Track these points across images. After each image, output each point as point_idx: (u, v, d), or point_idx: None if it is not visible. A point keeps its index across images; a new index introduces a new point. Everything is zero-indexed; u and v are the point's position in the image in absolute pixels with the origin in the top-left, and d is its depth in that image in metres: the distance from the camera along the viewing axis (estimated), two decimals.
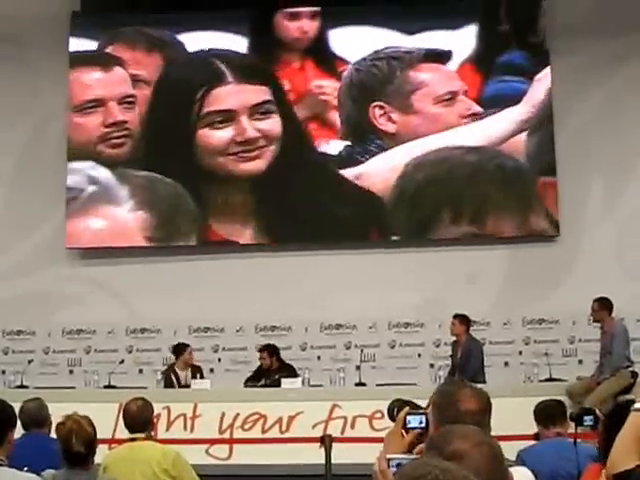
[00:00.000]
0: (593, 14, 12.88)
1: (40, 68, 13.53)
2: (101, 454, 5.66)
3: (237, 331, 13.00)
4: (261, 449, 10.16)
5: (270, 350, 11.70)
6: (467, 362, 11.07)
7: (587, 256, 12.58)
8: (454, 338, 11.42)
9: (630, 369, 10.45)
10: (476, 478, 2.08)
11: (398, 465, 2.59)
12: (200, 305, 12.68)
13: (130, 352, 12.99)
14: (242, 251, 12.99)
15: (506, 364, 12.49)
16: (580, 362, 12.33)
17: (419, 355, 12.73)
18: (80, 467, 5.09)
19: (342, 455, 9.42)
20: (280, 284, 12.65)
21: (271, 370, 11.56)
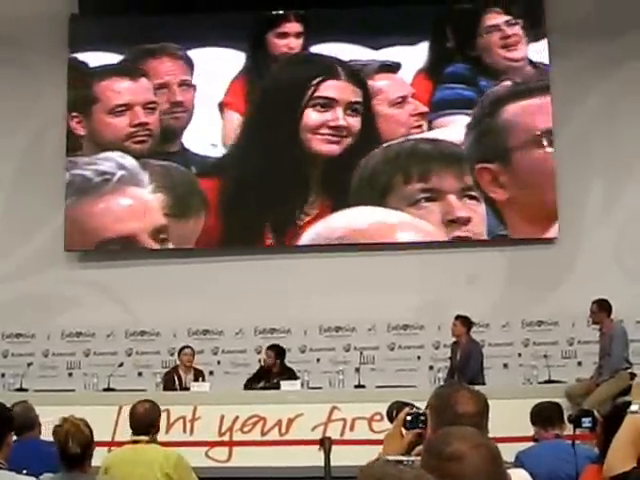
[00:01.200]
0: (592, 16, 12.89)
1: (39, 72, 13.51)
2: (100, 457, 5.67)
3: (236, 334, 13.00)
4: (260, 451, 10.17)
5: (277, 351, 11.68)
6: (466, 364, 11.08)
7: (586, 258, 12.59)
8: (453, 340, 11.43)
9: (629, 371, 10.45)
10: (473, 479, 2.09)
11: None
12: (199, 308, 12.68)
13: (129, 355, 12.99)
14: (242, 254, 13.00)
15: (505, 366, 12.49)
16: (579, 364, 12.34)
17: (418, 357, 12.73)
18: (78, 470, 5.09)
19: (341, 457, 9.38)
20: (279, 287, 12.65)
21: (272, 372, 11.56)
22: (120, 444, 6.79)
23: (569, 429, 6.24)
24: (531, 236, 12.61)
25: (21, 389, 11.49)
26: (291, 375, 11.50)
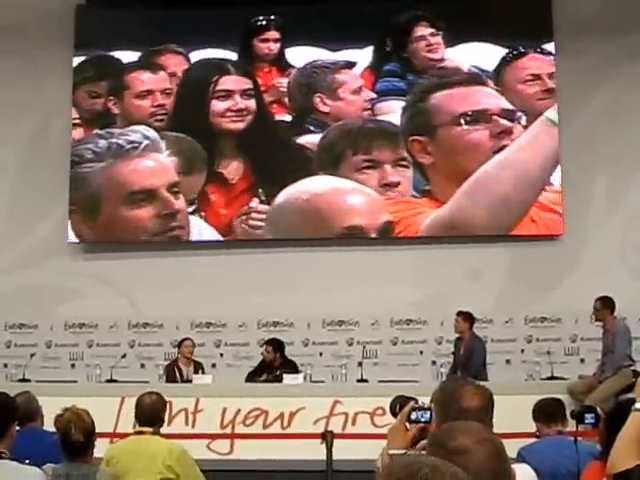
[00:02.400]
0: (598, 15, 12.86)
1: (44, 62, 13.52)
2: (102, 448, 5.67)
3: (239, 326, 13.01)
4: (262, 444, 10.17)
5: (275, 345, 11.70)
6: (469, 359, 11.08)
7: (590, 255, 12.58)
8: (456, 335, 11.43)
9: (632, 368, 10.45)
10: (478, 474, 2.08)
11: None
12: (202, 300, 12.69)
13: (132, 346, 13.00)
14: (245, 247, 13.00)
15: (508, 362, 12.48)
16: (582, 361, 12.32)
17: (421, 352, 12.72)
18: (80, 459, 5.10)
19: (343, 451, 9.43)
20: (282, 280, 12.65)
21: (273, 365, 11.57)
22: (122, 436, 6.81)
23: (571, 425, 6.24)
24: (532, 233, 12.66)
25: (24, 380, 11.50)
26: (293, 368, 11.50)
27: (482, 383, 3.72)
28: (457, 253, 12.73)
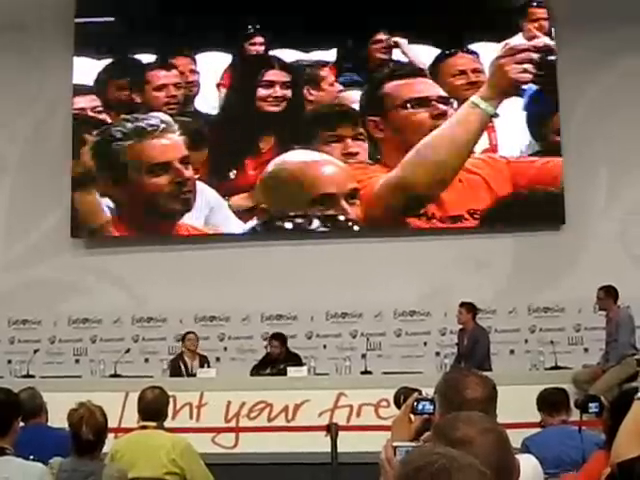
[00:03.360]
0: (596, 5, 12.84)
1: (45, 56, 13.53)
2: (107, 443, 5.67)
3: (243, 320, 13.01)
4: (267, 437, 10.18)
5: (282, 339, 11.72)
6: (473, 350, 11.09)
7: (593, 244, 12.57)
8: (460, 326, 11.43)
9: (636, 357, 10.45)
10: (483, 464, 2.08)
11: (405, 453, 2.59)
12: (206, 294, 12.69)
13: (136, 341, 13.00)
14: (248, 240, 13.00)
15: (512, 352, 12.48)
16: (586, 350, 12.32)
17: (425, 343, 12.72)
18: (88, 456, 5.11)
19: (348, 443, 9.43)
20: (285, 273, 12.65)
21: (277, 359, 11.57)
22: (127, 430, 6.80)
23: (576, 415, 6.24)
24: (533, 224, 12.66)
25: (28, 375, 11.51)
26: (297, 361, 11.51)
27: (486, 373, 3.71)
28: (460, 244, 12.72)
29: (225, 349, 12.95)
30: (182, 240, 13.05)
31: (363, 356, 11.75)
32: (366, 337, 12.32)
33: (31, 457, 4.80)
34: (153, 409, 5.96)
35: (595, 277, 11.15)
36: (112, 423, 8.79)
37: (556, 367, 11.26)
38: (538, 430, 6.24)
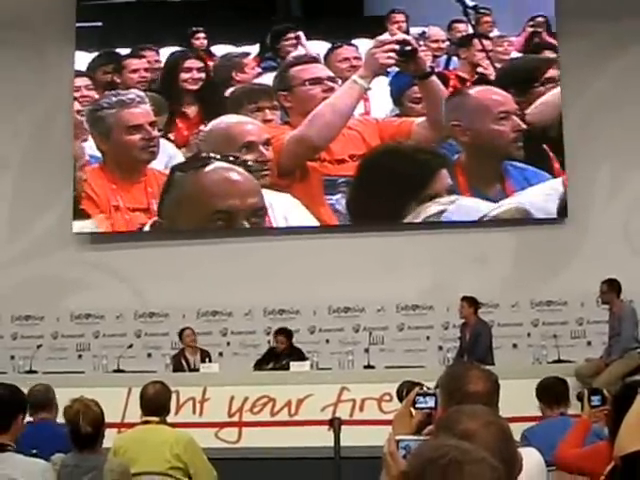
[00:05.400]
0: None
1: (47, 54, 13.56)
2: (110, 438, 5.68)
3: (245, 315, 13.02)
4: (270, 432, 10.18)
5: (287, 334, 11.73)
6: (475, 344, 11.08)
7: (595, 238, 12.57)
8: (463, 320, 11.42)
9: (639, 350, 10.45)
10: None
11: (407, 447, 2.58)
12: (208, 289, 12.69)
13: (139, 336, 13.02)
14: (250, 234, 13.00)
15: (514, 346, 12.48)
16: (589, 344, 12.32)
17: (427, 337, 12.72)
18: (89, 450, 5.11)
19: (351, 438, 9.44)
20: (288, 267, 12.66)
21: (280, 353, 11.57)
22: (130, 425, 6.81)
23: (576, 407, 6.25)
24: (535, 216, 12.67)
25: (31, 371, 11.53)
26: (300, 356, 11.51)
27: (488, 367, 3.74)
28: (462, 238, 12.72)
29: (228, 344, 12.95)
30: (185, 235, 13.07)
31: (366, 350, 11.76)
32: (369, 331, 12.32)
33: (34, 451, 4.80)
34: (155, 404, 5.96)
35: (598, 270, 11.14)
36: (115, 418, 8.86)
37: (559, 361, 11.27)
38: (537, 422, 6.24)
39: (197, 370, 11.41)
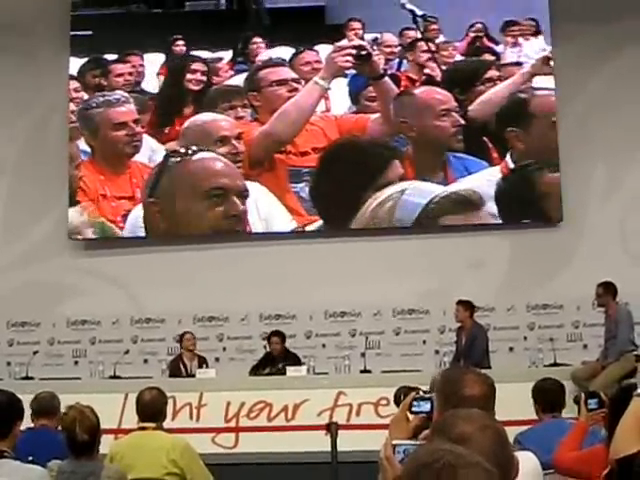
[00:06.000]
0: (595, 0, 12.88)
1: (41, 59, 13.57)
2: (107, 444, 5.68)
3: (242, 320, 13.02)
4: (267, 437, 10.20)
5: (281, 336, 11.75)
6: (472, 348, 11.09)
7: (591, 241, 12.58)
8: (459, 324, 11.43)
9: (635, 353, 10.47)
10: None
11: (404, 451, 2.59)
12: (204, 294, 12.69)
13: (135, 342, 13.01)
14: (246, 240, 13.01)
15: (511, 349, 12.49)
16: (585, 347, 12.33)
17: (424, 342, 12.73)
18: (86, 457, 5.11)
19: (348, 442, 9.44)
20: (284, 272, 12.65)
21: (276, 358, 11.58)
22: (126, 431, 6.80)
23: (572, 411, 6.25)
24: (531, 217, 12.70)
25: (27, 377, 11.53)
26: (296, 361, 11.52)
27: (485, 371, 3.73)
28: (458, 242, 12.73)
29: (224, 349, 12.95)
30: (181, 240, 13.07)
31: (362, 355, 11.77)
32: (365, 336, 12.33)
33: (30, 458, 4.80)
34: (151, 410, 5.96)
35: (593, 273, 11.16)
36: (112, 424, 8.87)
37: (555, 364, 11.28)
38: (531, 426, 6.24)
39: (194, 375, 11.41)
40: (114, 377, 11.53)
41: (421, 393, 3.38)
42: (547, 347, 11.77)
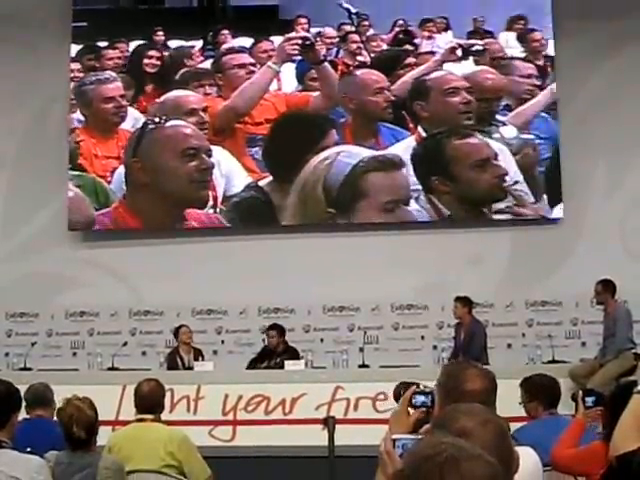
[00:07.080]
0: None
1: (41, 50, 13.56)
2: (104, 436, 5.68)
3: (240, 313, 13.02)
4: (264, 431, 10.19)
5: (279, 329, 11.76)
6: (470, 344, 11.09)
7: (590, 238, 12.57)
8: (457, 320, 11.43)
9: (633, 351, 10.47)
10: None
11: (404, 446, 2.58)
12: (203, 287, 12.69)
13: (133, 334, 13.00)
14: (245, 233, 13.01)
15: (509, 346, 12.49)
16: (583, 344, 12.33)
17: (422, 337, 12.73)
18: (83, 450, 5.10)
19: (345, 437, 9.45)
20: (283, 266, 12.65)
21: (275, 352, 11.58)
22: (124, 423, 6.80)
23: (569, 408, 6.25)
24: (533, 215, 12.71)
25: (25, 368, 11.52)
26: (294, 355, 11.52)
27: None
28: (457, 238, 12.74)
29: (222, 342, 12.96)
30: (179, 233, 13.07)
31: (360, 349, 11.77)
32: (363, 331, 12.32)
33: (28, 449, 4.80)
34: (149, 402, 5.96)
35: (592, 271, 11.16)
36: (109, 416, 8.87)
37: (553, 361, 11.28)
38: (528, 422, 6.23)
39: (191, 368, 11.41)
40: (112, 369, 11.53)
41: (422, 387, 3.37)
42: (545, 344, 11.76)
